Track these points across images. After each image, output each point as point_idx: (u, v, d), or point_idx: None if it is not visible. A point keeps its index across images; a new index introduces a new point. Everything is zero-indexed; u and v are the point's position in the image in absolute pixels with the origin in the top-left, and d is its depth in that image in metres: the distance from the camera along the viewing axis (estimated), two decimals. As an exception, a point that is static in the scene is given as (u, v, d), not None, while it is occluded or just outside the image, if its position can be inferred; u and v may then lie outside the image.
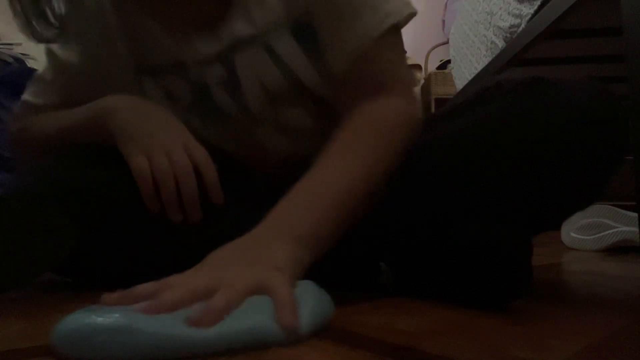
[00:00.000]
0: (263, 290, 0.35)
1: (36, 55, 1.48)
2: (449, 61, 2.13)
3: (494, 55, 1.20)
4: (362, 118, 0.54)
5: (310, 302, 0.37)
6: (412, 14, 0.58)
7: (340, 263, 0.58)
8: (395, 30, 0.57)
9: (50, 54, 0.66)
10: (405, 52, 0.61)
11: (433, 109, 2.59)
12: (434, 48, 2.81)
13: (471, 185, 0.53)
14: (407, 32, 0.59)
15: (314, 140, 0.57)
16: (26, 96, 0.68)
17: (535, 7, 0.98)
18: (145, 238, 0.56)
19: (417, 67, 2.77)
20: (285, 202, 0.46)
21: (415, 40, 2.55)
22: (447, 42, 2.05)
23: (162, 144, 0.53)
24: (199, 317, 0.31)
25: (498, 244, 0.49)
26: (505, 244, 0.49)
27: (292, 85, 0.61)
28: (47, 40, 0.59)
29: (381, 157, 0.52)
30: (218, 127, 0.64)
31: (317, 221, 0.45)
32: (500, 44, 1.17)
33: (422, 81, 2.79)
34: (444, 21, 2.79)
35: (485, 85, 0.58)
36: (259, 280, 0.36)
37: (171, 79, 0.62)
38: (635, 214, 1.09)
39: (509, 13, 1.09)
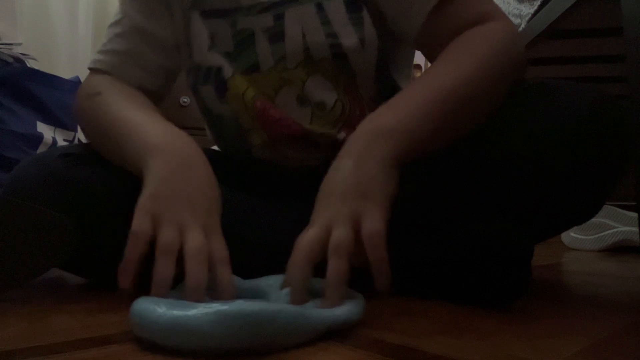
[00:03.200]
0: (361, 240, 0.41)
1: (36, 55, 1.49)
2: (449, 61, 2.12)
3: (494, 55, 1.20)
4: (466, 34, 0.53)
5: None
6: None
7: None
8: None
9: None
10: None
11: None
12: (434, 48, 2.81)
13: (473, 187, 0.53)
14: (407, 32, 0.59)
15: (332, 128, 0.61)
16: (98, 49, 0.67)
17: (535, 7, 0.98)
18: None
19: (418, 67, 2.77)
20: (384, 105, 0.48)
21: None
22: (447, 42, 2.04)
23: (181, 216, 0.44)
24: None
25: (498, 244, 0.49)
26: (505, 244, 0.49)
27: (331, 48, 0.61)
28: None
29: (488, 63, 0.50)
30: (247, 81, 0.64)
31: (409, 113, 0.46)
32: (500, 44, 1.17)
33: (422, 81, 2.79)
34: (444, 21, 2.79)
35: None
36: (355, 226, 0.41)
37: (218, 22, 0.64)
38: (635, 214, 1.09)
39: (509, 13, 1.09)
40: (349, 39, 0.61)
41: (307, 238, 0.42)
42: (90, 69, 0.66)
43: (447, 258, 0.52)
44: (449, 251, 0.52)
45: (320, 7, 0.60)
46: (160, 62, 0.67)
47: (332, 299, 0.39)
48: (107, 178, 0.55)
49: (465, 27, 0.54)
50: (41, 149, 1.15)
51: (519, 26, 1.05)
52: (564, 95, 0.51)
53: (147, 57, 0.65)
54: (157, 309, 0.33)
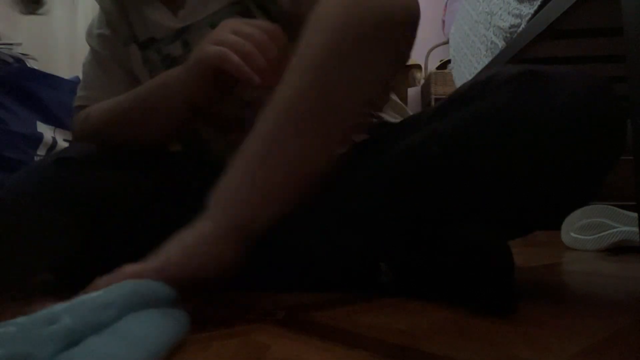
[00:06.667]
0: None
1: (36, 55, 1.49)
2: (449, 61, 2.12)
3: (494, 55, 1.20)
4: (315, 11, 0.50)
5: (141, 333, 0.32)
6: None
7: (340, 263, 0.58)
8: None
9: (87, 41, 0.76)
10: None
11: (433, 109, 2.58)
12: (434, 48, 2.80)
13: (466, 186, 0.53)
14: (406, 33, 0.58)
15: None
16: (78, 90, 0.75)
17: (535, 7, 0.98)
18: (146, 240, 0.56)
19: (417, 67, 2.77)
20: (226, 180, 0.45)
21: (416, 40, 2.54)
22: (447, 42, 2.04)
23: (224, 27, 0.54)
24: None
25: (478, 249, 0.48)
26: (483, 251, 0.48)
27: None
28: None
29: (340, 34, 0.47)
30: None
31: (256, 200, 0.44)
32: (500, 44, 1.17)
33: (422, 81, 2.79)
34: (444, 21, 2.79)
35: (477, 80, 0.56)
36: None
37: (148, 51, 0.72)
38: (635, 214, 1.09)
39: (509, 13, 1.09)
40: None
41: None
42: (75, 107, 0.74)
43: (443, 258, 0.52)
44: (444, 252, 0.52)
45: (213, 27, 0.60)
46: (125, 88, 0.70)
47: None
48: (102, 181, 0.56)
49: None
50: (41, 149, 1.15)
51: (519, 26, 1.05)
52: (555, 83, 0.49)
53: (116, 85, 0.72)
54: None
